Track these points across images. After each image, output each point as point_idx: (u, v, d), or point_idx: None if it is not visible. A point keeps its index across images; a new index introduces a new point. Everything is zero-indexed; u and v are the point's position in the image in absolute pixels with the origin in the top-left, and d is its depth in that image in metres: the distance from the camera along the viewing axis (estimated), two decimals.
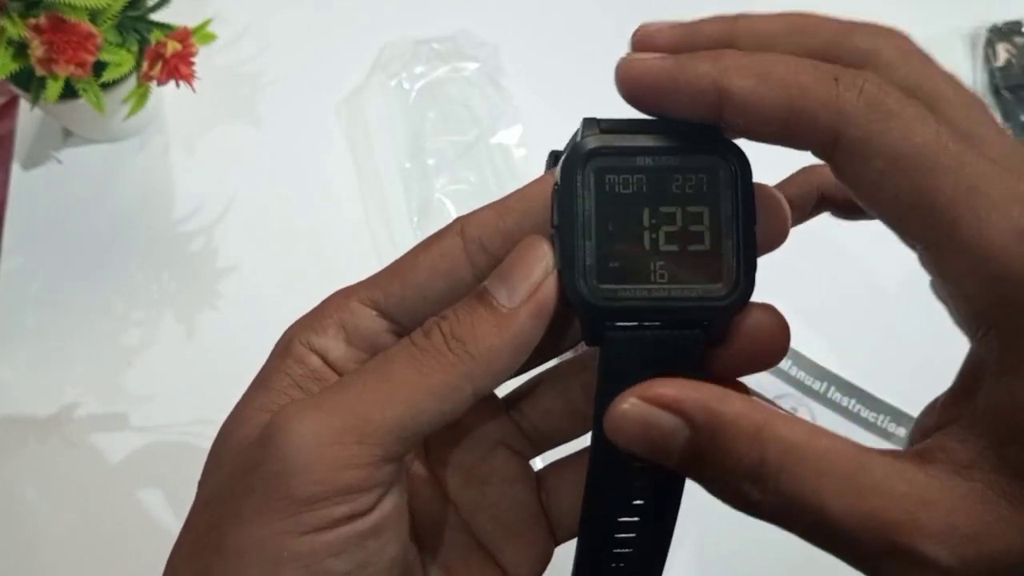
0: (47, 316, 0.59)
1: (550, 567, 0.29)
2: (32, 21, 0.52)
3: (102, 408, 0.56)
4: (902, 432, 0.55)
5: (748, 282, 0.24)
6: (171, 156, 0.64)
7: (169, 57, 0.55)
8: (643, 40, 0.25)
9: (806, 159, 0.24)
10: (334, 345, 0.25)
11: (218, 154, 0.65)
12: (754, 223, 0.24)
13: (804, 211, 0.31)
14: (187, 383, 0.57)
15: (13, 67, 0.53)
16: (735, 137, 0.24)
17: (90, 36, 0.52)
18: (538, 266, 0.24)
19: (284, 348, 0.26)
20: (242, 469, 0.23)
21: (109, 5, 0.53)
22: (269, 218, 0.62)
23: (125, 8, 0.55)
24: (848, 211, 0.29)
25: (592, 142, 0.24)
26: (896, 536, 0.20)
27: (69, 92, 0.55)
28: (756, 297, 0.24)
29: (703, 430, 0.22)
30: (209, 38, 0.59)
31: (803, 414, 0.56)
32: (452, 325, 0.24)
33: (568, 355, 0.29)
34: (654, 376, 0.22)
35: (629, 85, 0.24)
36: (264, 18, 0.69)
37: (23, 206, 0.63)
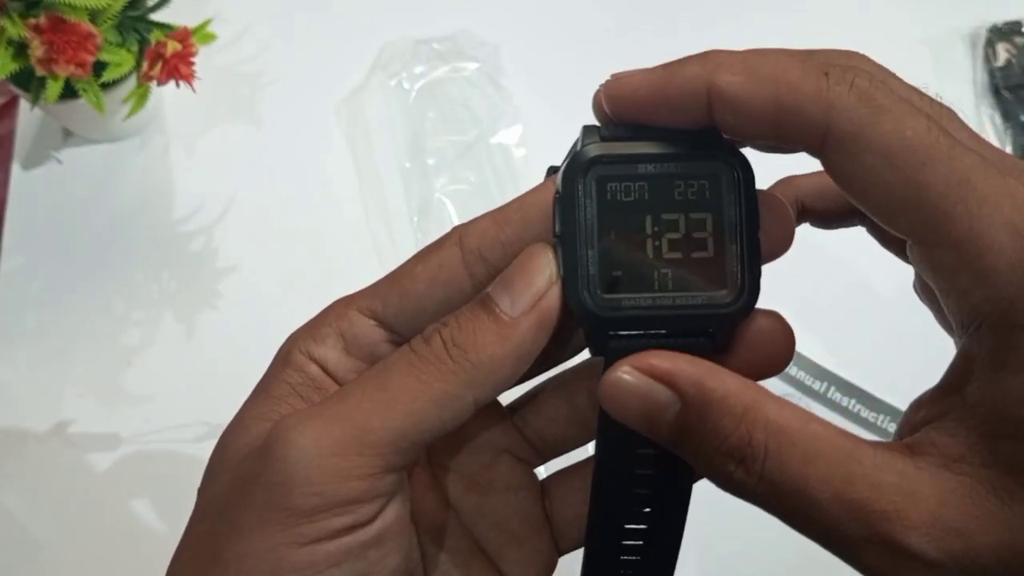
0: (47, 316, 0.59)
1: None
2: (32, 21, 0.52)
3: (102, 408, 0.56)
4: None
5: (753, 288, 0.24)
6: (171, 156, 0.64)
7: (169, 57, 0.55)
8: (617, 86, 0.24)
9: (796, 168, 0.23)
10: (333, 354, 0.25)
11: (218, 154, 0.64)
12: (758, 228, 0.24)
13: None
14: (187, 383, 0.57)
15: (13, 67, 0.53)
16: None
17: (90, 36, 0.52)
18: (541, 275, 0.24)
19: (284, 357, 0.26)
20: (242, 479, 0.23)
21: (109, 5, 0.53)
22: (269, 218, 0.62)
23: (125, 8, 0.55)
24: (827, 220, 0.29)
25: (593, 150, 0.24)
26: (881, 526, 0.20)
27: (69, 92, 0.55)
28: None
29: (692, 405, 0.22)
30: (209, 38, 0.59)
31: None
32: (453, 332, 0.24)
33: (574, 360, 0.29)
34: None
35: (618, 101, 0.24)
36: (264, 18, 0.69)
37: (23, 206, 0.63)
